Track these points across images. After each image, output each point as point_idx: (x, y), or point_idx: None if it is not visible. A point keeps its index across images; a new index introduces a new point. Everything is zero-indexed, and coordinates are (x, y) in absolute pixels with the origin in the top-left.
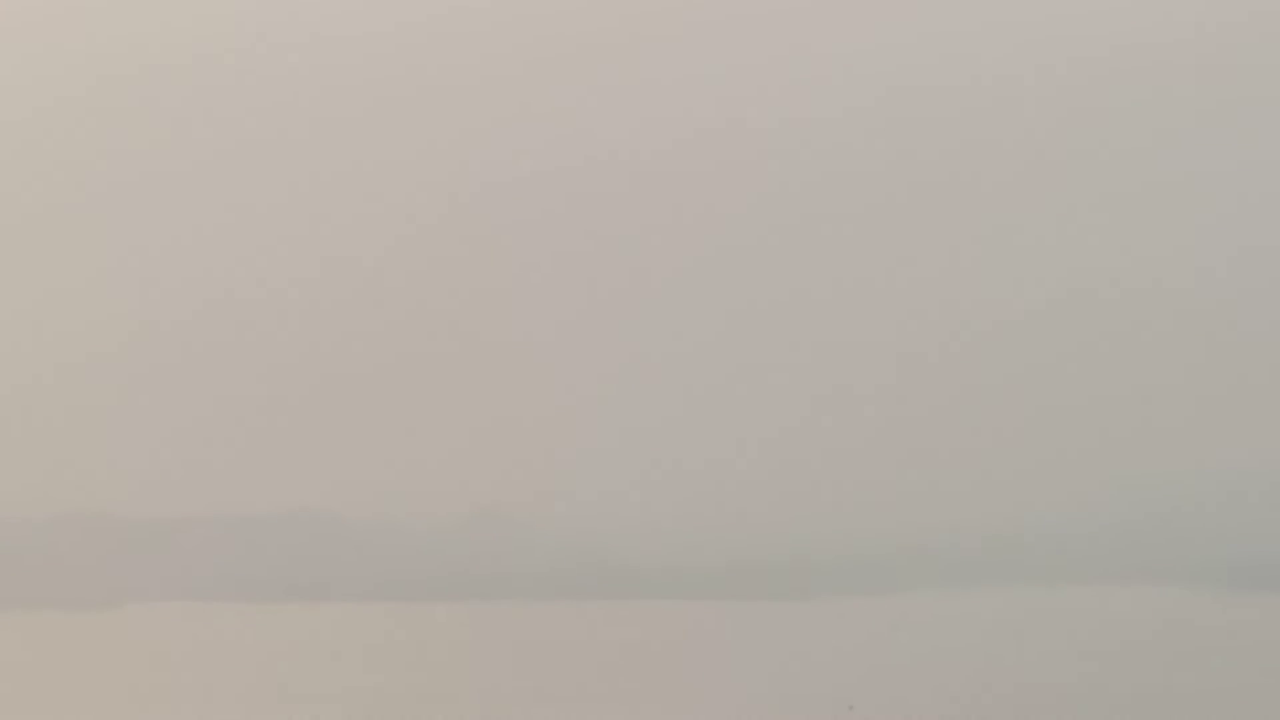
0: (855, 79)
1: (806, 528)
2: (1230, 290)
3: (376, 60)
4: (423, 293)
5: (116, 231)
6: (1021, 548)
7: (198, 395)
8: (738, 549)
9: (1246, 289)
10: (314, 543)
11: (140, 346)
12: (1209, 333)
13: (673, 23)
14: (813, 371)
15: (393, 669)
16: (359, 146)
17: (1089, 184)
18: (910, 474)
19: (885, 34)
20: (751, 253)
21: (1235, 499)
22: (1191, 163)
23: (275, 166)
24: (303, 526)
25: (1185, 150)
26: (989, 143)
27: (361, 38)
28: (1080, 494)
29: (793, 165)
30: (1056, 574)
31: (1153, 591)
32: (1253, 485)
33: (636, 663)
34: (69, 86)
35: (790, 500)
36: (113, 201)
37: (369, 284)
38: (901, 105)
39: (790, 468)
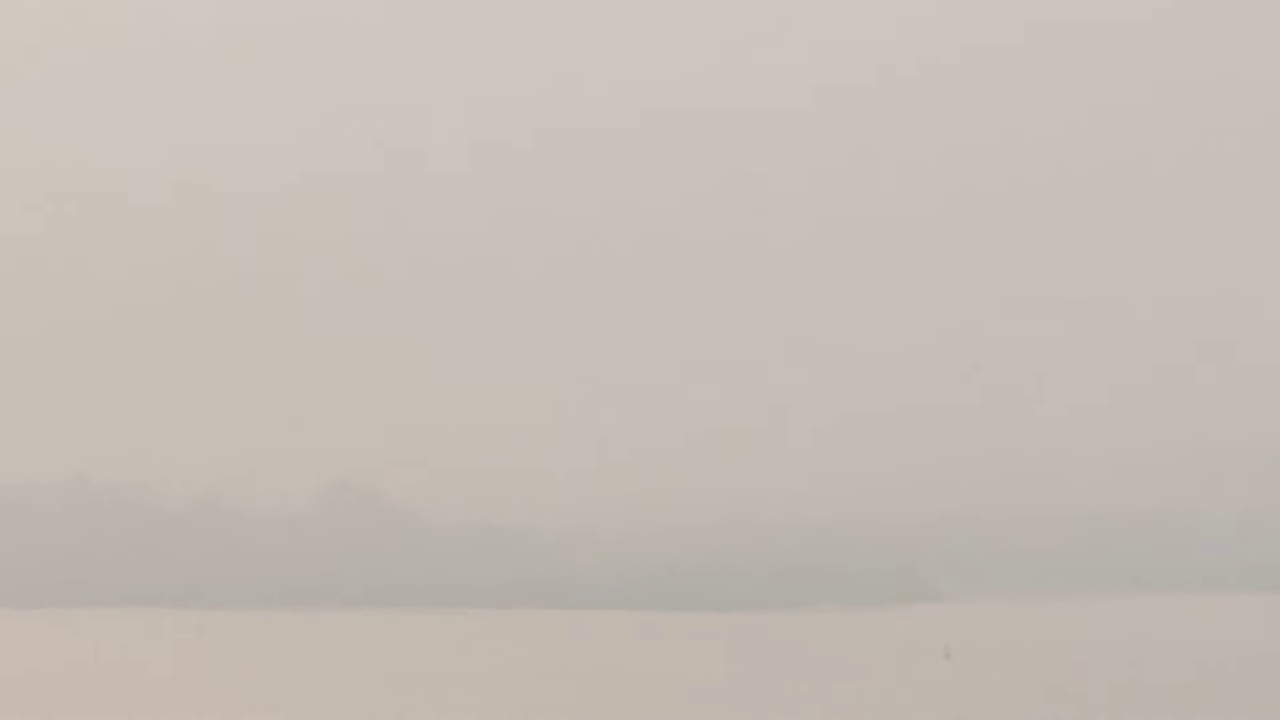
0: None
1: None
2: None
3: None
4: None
5: None
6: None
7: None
8: (734, 556)
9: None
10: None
11: None
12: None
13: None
14: (812, 370)
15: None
16: None
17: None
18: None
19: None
20: (755, 256)
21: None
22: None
23: None
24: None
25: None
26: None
27: None
28: (1083, 501)
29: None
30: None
31: (1180, 600)
32: None
33: (631, 676)
34: None
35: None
36: None
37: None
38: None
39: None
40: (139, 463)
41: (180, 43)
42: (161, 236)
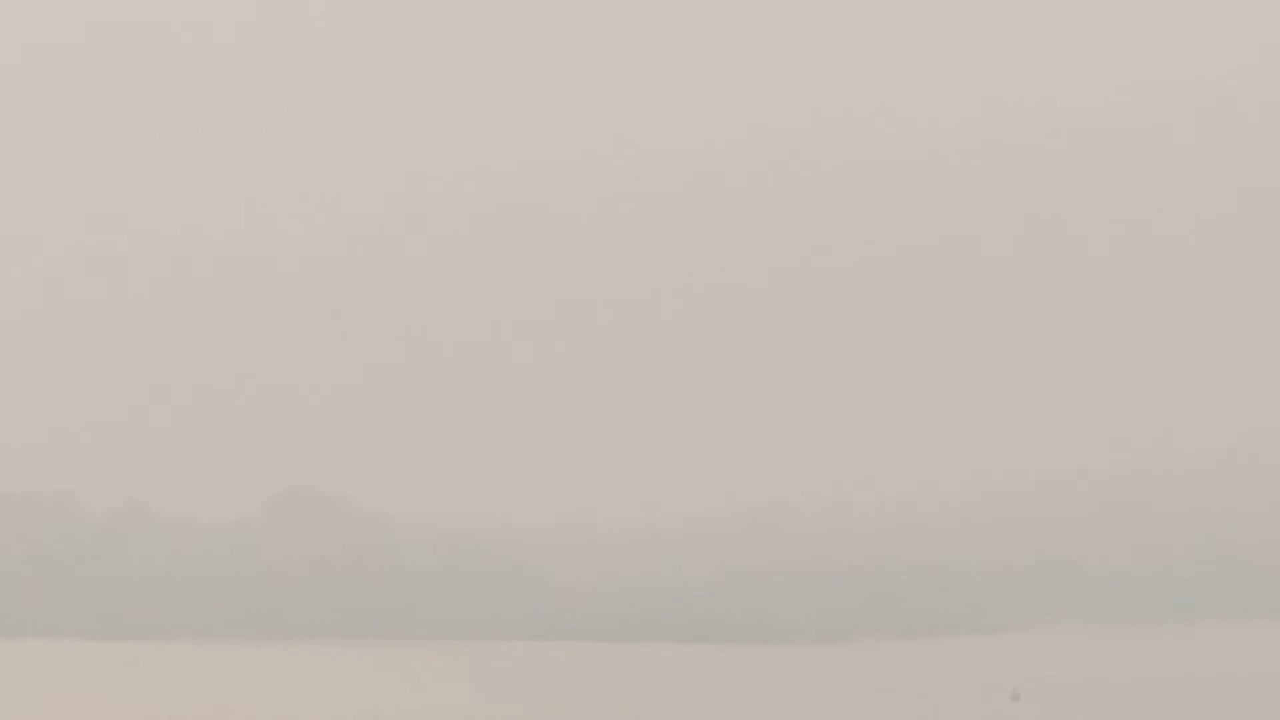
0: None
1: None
2: None
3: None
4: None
5: None
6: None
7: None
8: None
9: None
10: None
11: None
12: None
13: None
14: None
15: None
16: None
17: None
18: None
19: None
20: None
21: None
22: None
23: None
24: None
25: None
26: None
27: None
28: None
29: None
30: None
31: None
32: None
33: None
34: None
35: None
36: None
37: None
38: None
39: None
40: (55, 470)
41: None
42: (92, 228)
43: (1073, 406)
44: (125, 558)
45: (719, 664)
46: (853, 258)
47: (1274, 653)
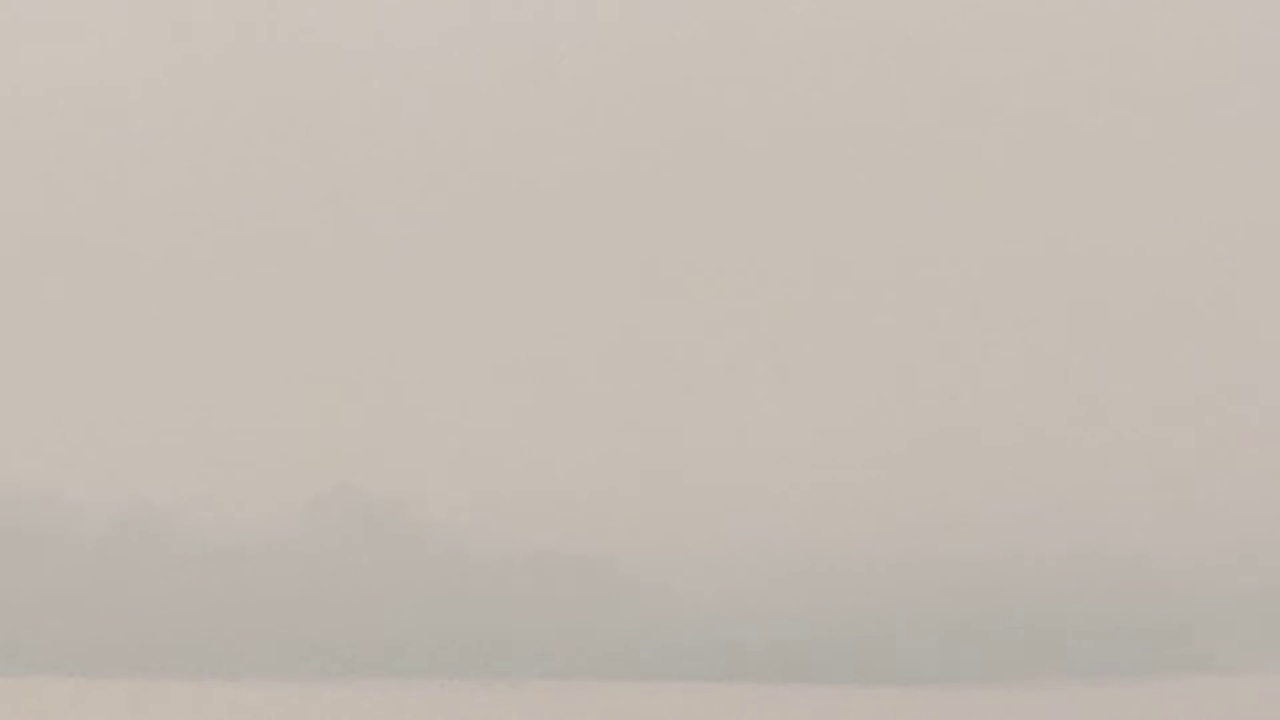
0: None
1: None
2: None
3: None
4: None
5: None
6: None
7: None
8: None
9: None
10: None
11: None
12: None
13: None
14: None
15: None
16: None
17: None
18: None
19: None
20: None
21: None
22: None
23: None
24: None
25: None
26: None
27: None
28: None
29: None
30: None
31: None
32: None
33: None
34: None
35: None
36: None
37: None
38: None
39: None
40: (52, 472)
41: None
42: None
43: None
44: (130, 573)
45: (869, 708)
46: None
47: None
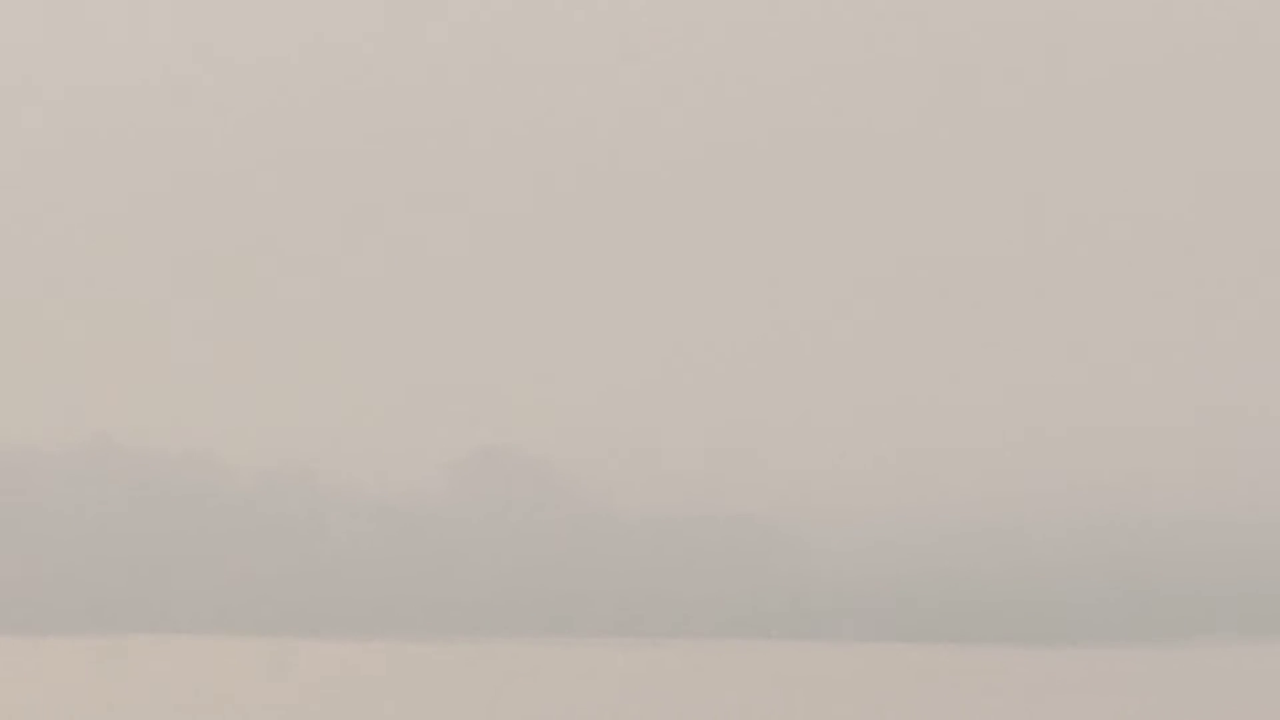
0: None
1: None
2: None
3: None
4: None
5: None
6: None
7: None
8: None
9: None
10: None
11: None
12: None
13: None
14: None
15: None
16: None
17: None
18: None
19: None
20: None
21: None
22: None
23: None
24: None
25: None
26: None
27: None
28: None
29: None
30: None
31: None
32: None
33: None
34: None
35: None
36: None
37: None
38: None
39: None
40: (188, 424)
41: None
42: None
43: None
44: (275, 534)
45: (1009, 667)
46: None
47: None
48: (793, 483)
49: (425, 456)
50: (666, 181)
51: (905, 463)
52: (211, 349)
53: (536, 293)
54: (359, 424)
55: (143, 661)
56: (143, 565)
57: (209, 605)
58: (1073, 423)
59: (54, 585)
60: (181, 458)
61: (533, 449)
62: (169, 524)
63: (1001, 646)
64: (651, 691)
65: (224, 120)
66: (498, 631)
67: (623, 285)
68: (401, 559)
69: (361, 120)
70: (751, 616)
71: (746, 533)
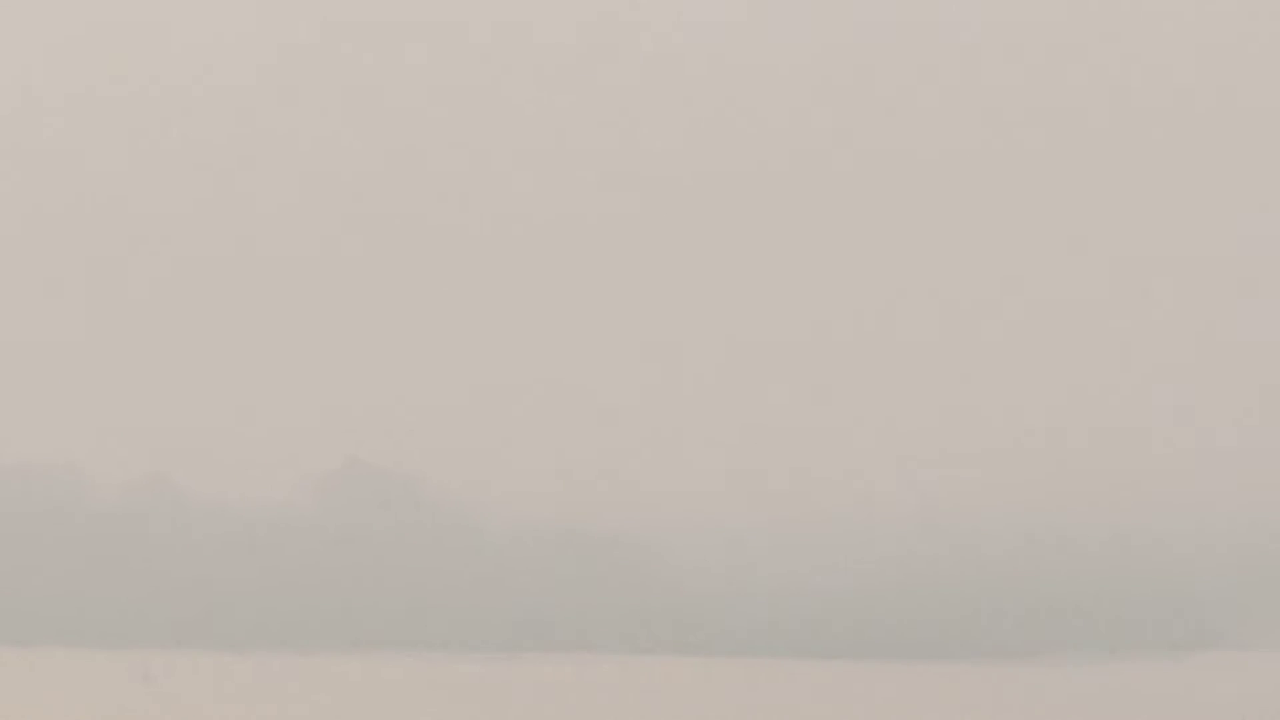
0: None
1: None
2: None
3: None
4: None
5: None
6: None
7: None
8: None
9: None
10: None
11: None
12: None
13: None
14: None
15: None
16: None
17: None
18: None
19: None
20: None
21: None
22: None
23: None
24: None
25: None
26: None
27: None
28: None
29: None
30: None
31: None
32: None
33: None
34: None
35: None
36: None
37: None
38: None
39: None
40: (58, 439)
41: None
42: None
43: None
44: (137, 547)
45: (886, 682)
46: None
47: None
48: (660, 498)
49: (291, 469)
50: (497, 213)
51: (777, 480)
52: (71, 358)
53: (402, 305)
54: (223, 436)
55: (2, 674)
56: (2, 577)
57: (70, 617)
58: (936, 443)
59: None
60: (42, 469)
61: (399, 463)
62: (28, 536)
63: (867, 661)
64: (512, 707)
65: (107, 129)
66: (361, 645)
67: (489, 298)
68: (266, 572)
69: (215, 126)
70: (617, 631)
71: (612, 548)
